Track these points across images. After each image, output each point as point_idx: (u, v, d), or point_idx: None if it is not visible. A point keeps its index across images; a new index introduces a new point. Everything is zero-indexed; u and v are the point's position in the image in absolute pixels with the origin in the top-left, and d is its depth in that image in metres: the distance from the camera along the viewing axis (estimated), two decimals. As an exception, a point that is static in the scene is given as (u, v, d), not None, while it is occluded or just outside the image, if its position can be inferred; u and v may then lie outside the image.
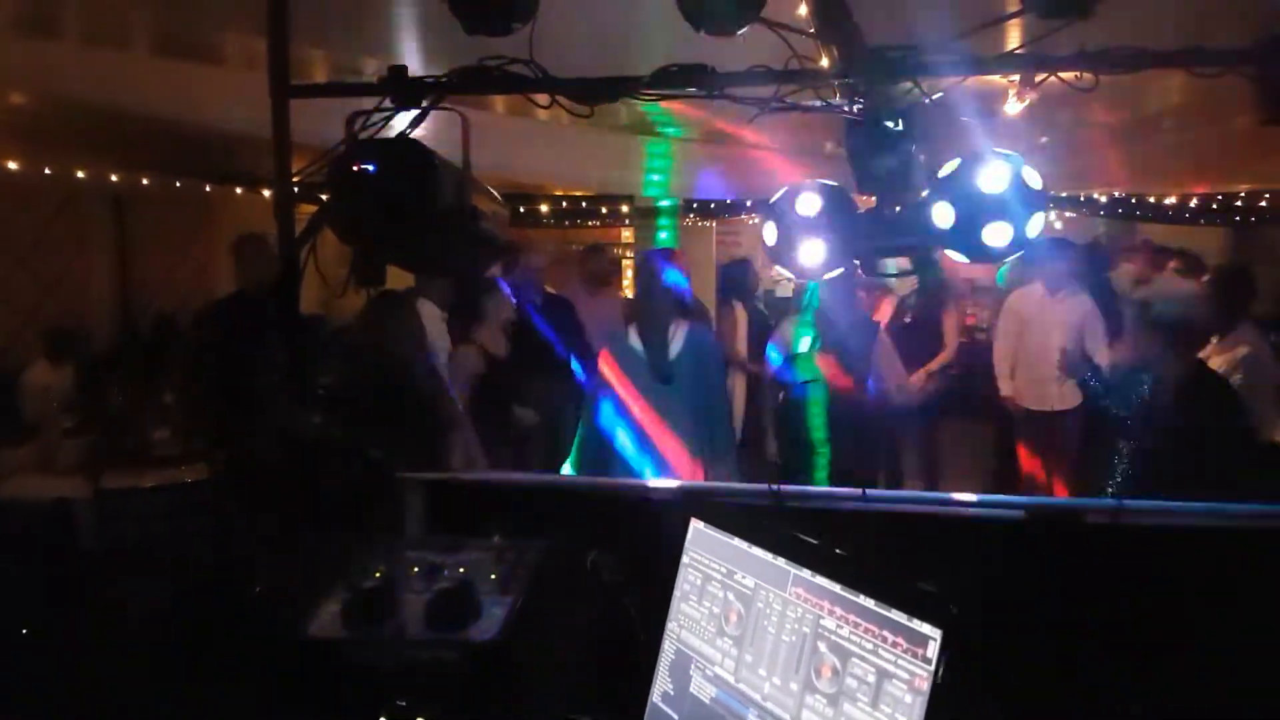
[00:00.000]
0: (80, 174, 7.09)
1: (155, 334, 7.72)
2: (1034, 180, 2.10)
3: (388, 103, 2.12)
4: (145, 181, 7.58)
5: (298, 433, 2.44)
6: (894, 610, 1.14)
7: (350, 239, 2.06)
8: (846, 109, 2.48)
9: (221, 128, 4.89)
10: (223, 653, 1.79)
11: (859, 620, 1.18)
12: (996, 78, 4.01)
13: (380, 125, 2.06)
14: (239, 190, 8.21)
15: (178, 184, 7.79)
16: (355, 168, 1.93)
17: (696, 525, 1.51)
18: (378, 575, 1.66)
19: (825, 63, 2.60)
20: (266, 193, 7.53)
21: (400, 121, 2.13)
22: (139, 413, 4.83)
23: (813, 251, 2.21)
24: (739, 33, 2.21)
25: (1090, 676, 1.70)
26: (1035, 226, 2.12)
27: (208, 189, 8.12)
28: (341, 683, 1.57)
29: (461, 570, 1.65)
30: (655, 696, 1.47)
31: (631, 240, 9.75)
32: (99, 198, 7.72)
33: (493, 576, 1.62)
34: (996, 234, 2.10)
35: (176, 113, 4.66)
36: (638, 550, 1.63)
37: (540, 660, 1.57)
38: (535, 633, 1.55)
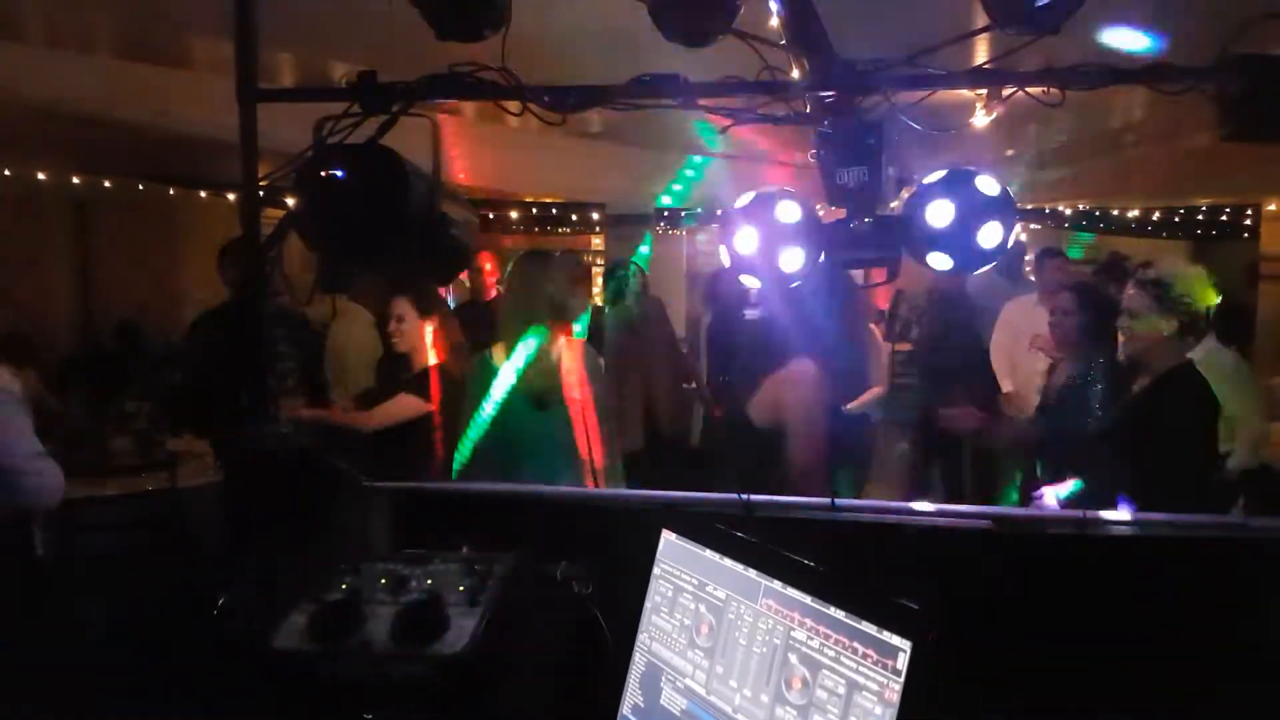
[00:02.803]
0: (41, 176, 6.97)
1: (118, 340, 7.59)
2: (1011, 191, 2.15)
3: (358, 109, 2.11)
4: (108, 184, 7.47)
5: (262, 442, 2.40)
6: (864, 622, 1.14)
7: (317, 245, 2.03)
8: (817, 121, 2.50)
9: (186, 131, 4.84)
10: (185, 665, 1.76)
11: (829, 632, 1.18)
12: (965, 91, 4.06)
13: (349, 131, 2.04)
14: (203, 194, 8.11)
15: (140, 187, 7.68)
16: (323, 173, 1.91)
17: (668, 536, 1.51)
18: (344, 587, 1.63)
19: (796, 74, 2.62)
20: (232, 197, 7.45)
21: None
22: (100, 421, 4.74)
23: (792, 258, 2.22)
24: (711, 43, 2.22)
25: (1057, 686, 1.71)
26: (1013, 236, 2.16)
27: (171, 192, 8.01)
28: (307, 696, 1.55)
29: (429, 582, 1.62)
30: (625, 709, 1.46)
31: (602, 247, 9.74)
32: (60, 201, 7.58)
33: (461, 589, 1.60)
34: (990, 237, 2.12)
35: (140, 116, 4.60)
36: (608, 561, 1.62)
37: (509, 673, 1.55)
38: (504, 645, 1.53)
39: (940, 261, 2.19)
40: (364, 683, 1.52)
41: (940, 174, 2.19)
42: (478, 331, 4.98)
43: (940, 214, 2.15)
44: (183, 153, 6.32)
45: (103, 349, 7.55)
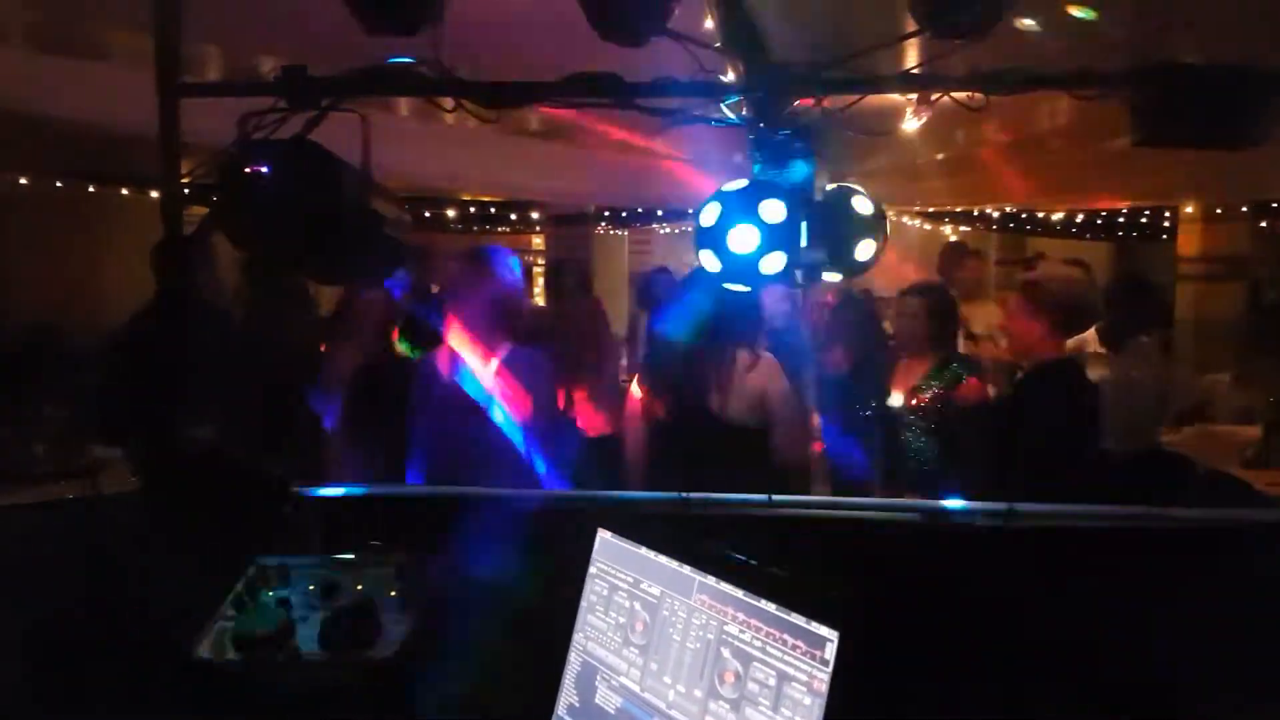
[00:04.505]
0: (-49, 172, 6.68)
1: (33, 342, 7.31)
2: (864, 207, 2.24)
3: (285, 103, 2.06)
4: (23, 181, 7.18)
5: (188, 446, 2.34)
6: (793, 614, 1.15)
7: (243, 244, 1.98)
8: (751, 122, 2.52)
9: (107, 126, 4.67)
10: (107, 677, 1.70)
11: (761, 625, 1.19)
12: (895, 95, 4.14)
13: (275, 126, 1.99)
14: (125, 192, 7.85)
15: (58, 184, 7.41)
16: (248, 169, 1.86)
17: (604, 535, 1.51)
18: (271, 594, 1.60)
19: (731, 76, 2.64)
20: (155, 194, 7.22)
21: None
22: (13, 426, 4.55)
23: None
24: (646, 43, 2.22)
25: (982, 673, 1.75)
26: (865, 251, 2.25)
27: (91, 190, 7.74)
28: (235, 705, 1.51)
29: (360, 588, 1.60)
30: (560, 709, 1.45)
31: (543, 247, 9.70)
32: (-28, 198, 7.28)
33: (393, 593, 1.58)
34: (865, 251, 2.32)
35: (57, 110, 4.43)
36: (544, 562, 1.61)
37: (443, 677, 1.53)
38: (438, 650, 1.52)
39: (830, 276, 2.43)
40: (293, 691, 1.48)
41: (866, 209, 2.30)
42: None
43: (865, 250, 2.32)
44: (103, 149, 6.11)
45: (14, 351, 7.25)
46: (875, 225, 2.41)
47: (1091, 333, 4.08)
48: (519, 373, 3.08)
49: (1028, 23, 2.79)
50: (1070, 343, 4.00)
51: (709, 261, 2.17)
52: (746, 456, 2.84)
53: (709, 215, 2.12)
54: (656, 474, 3.05)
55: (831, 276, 2.45)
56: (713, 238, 2.10)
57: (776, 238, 2.08)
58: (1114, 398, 3.87)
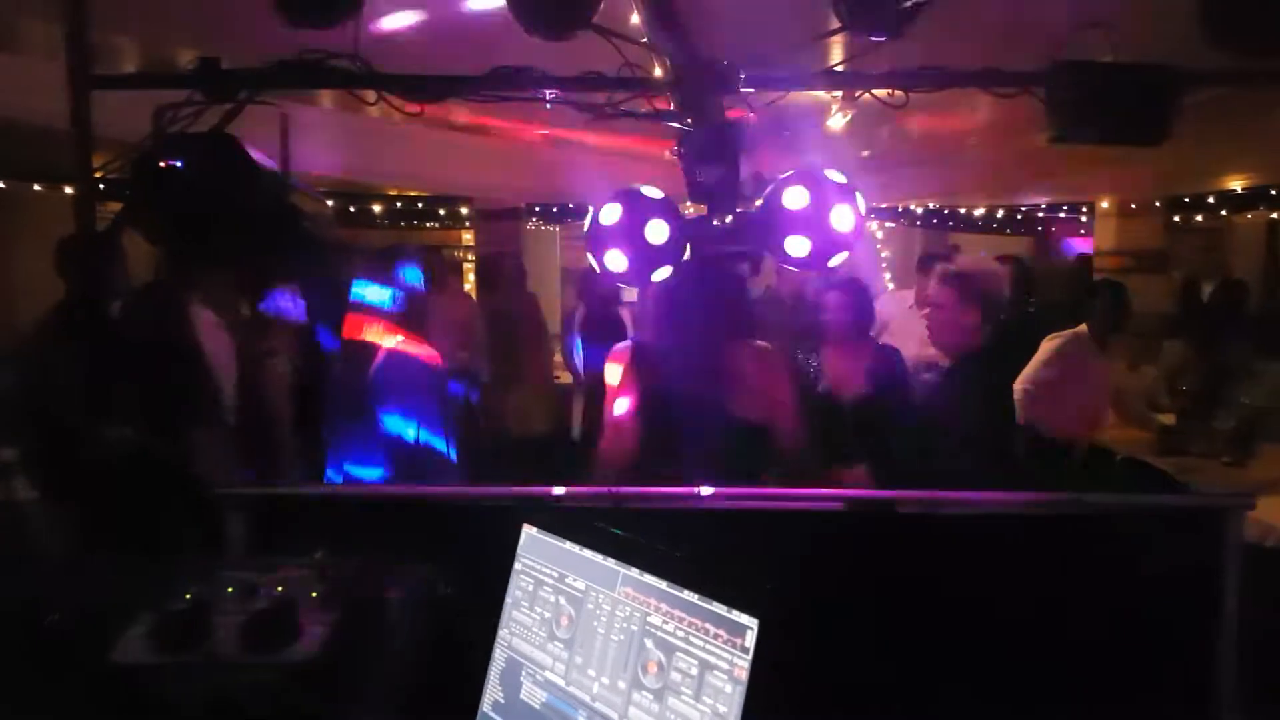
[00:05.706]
0: None
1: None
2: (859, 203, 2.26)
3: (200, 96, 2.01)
4: (-73, 176, 6.88)
5: (105, 448, 2.27)
6: (714, 603, 1.17)
7: (157, 240, 1.93)
8: (679, 118, 2.54)
9: (16, 119, 4.50)
10: (22, 680, 1.65)
11: (683, 615, 1.21)
12: (821, 93, 4.20)
13: (191, 120, 1.94)
14: (37, 187, 7.57)
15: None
16: (162, 164, 1.81)
17: (529, 531, 1.51)
18: (188, 597, 1.56)
19: (658, 72, 2.66)
20: (70, 190, 6.96)
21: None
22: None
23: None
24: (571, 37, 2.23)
25: (903, 659, 1.79)
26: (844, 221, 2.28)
27: (2, 186, 7.44)
28: (151, 712, 1.47)
29: (280, 589, 1.57)
30: (486, 706, 1.45)
31: (473, 242, 9.60)
32: None
33: (314, 594, 1.55)
34: (842, 220, 2.24)
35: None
36: (470, 559, 1.60)
37: (365, 678, 1.52)
38: (359, 650, 1.50)
39: (798, 247, 2.28)
40: (210, 694, 1.45)
41: (789, 171, 2.29)
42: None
43: (796, 198, 2.24)
44: (13, 143, 5.88)
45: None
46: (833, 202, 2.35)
47: (1084, 328, 4.26)
48: (401, 374, 3.03)
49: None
50: (1068, 333, 4.18)
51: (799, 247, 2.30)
52: (750, 453, 2.78)
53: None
54: (647, 472, 2.92)
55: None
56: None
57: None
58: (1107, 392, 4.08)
